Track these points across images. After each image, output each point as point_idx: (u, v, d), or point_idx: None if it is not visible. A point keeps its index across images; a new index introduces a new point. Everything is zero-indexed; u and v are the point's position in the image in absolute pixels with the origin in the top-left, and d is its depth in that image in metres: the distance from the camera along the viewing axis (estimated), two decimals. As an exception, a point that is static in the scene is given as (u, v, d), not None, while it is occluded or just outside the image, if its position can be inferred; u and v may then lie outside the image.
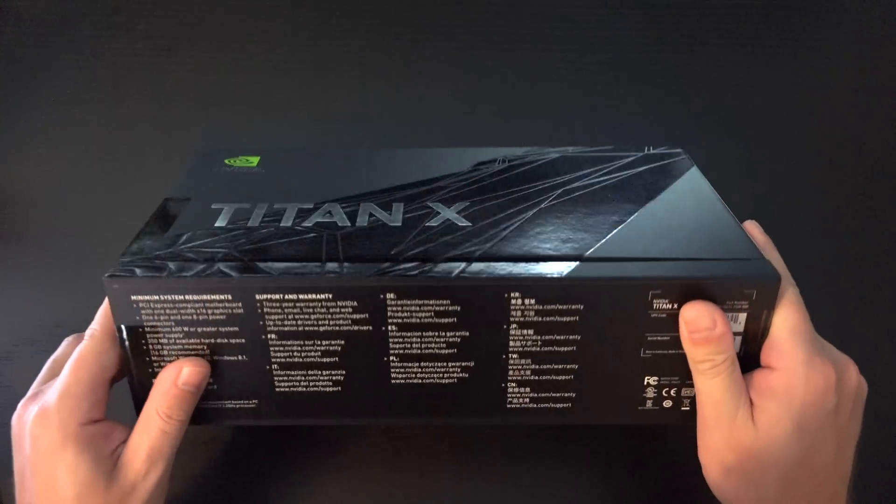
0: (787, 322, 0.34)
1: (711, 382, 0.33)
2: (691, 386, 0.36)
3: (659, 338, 0.35)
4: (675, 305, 0.34)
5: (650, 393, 0.36)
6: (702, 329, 0.33)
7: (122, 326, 0.34)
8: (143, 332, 0.34)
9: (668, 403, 0.36)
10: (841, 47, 0.53)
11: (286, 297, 0.33)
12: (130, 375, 0.35)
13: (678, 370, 0.35)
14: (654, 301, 0.34)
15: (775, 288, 0.33)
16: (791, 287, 0.35)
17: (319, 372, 0.35)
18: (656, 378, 0.36)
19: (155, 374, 0.35)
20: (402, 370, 0.35)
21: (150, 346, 0.34)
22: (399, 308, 0.34)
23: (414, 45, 0.49)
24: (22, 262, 0.46)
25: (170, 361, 0.35)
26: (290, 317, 0.34)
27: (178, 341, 0.34)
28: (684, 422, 0.37)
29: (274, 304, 0.33)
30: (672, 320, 0.34)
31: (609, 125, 0.51)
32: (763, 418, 0.33)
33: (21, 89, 0.46)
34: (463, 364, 0.35)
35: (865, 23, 0.52)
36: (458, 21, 0.49)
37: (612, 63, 0.51)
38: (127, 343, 0.34)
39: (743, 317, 0.34)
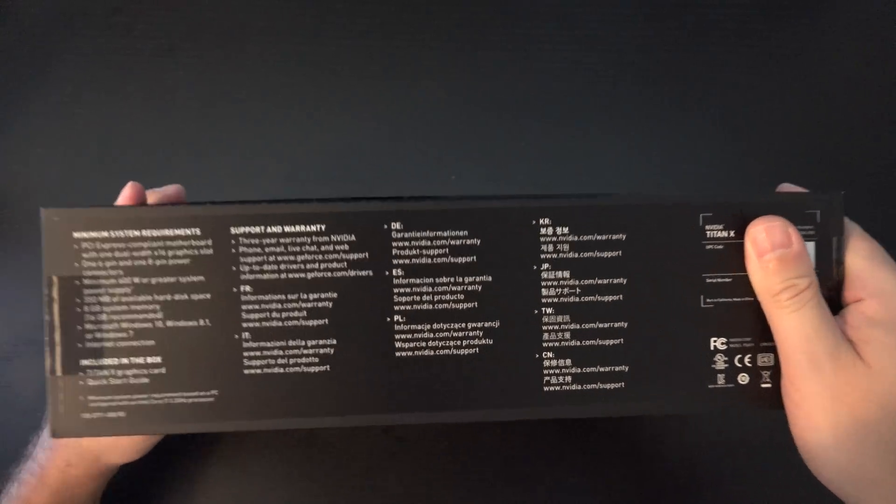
0: (862, 250, 0.29)
1: (797, 316, 0.27)
2: (768, 351, 0.29)
3: (720, 280, 0.29)
4: (732, 233, 0.29)
5: (720, 363, 0.29)
6: (776, 246, 0.27)
7: (54, 278, 0.27)
8: (81, 286, 0.27)
9: (743, 378, 0.29)
10: (842, 47, 0.54)
11: (268, 229, 0.27)
12: (51, 349, 0.27)
13: (750, 327, 0.29)
14: (707, 228, 0.29)
15: (840, 206, 0.29)
16: (852, 223, 0.30)
17: (303, 343, 0.27)
18: (724, 340, 0.29)
19: (85, 350, 0.27)
20: (410, 336, 0.28)
21: (85, 308, 0.27)
22: (407, 243, 0.28)
23: (413, 44, 0.49)
24: (22, 262, 0.45)
25: (109, 330, 0.27)
26: (271, 259, 0.27)
27: (122, 300, 0.27)
28: (767, 405, 0.29)
29: (252, 242, 0.27)
30: (731, 255, 0.29)
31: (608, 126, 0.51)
32: (872, 351, 0.26)
33: (21, 89, 0.46)
34: (486, 325, 0.28)
35: (866, 23, 0.54)
36: (458, 20, 0.51)
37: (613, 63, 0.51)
38: (55, 303, 0.27)
39: (812, 247, 0.29)
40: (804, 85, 0.54)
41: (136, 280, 0.27)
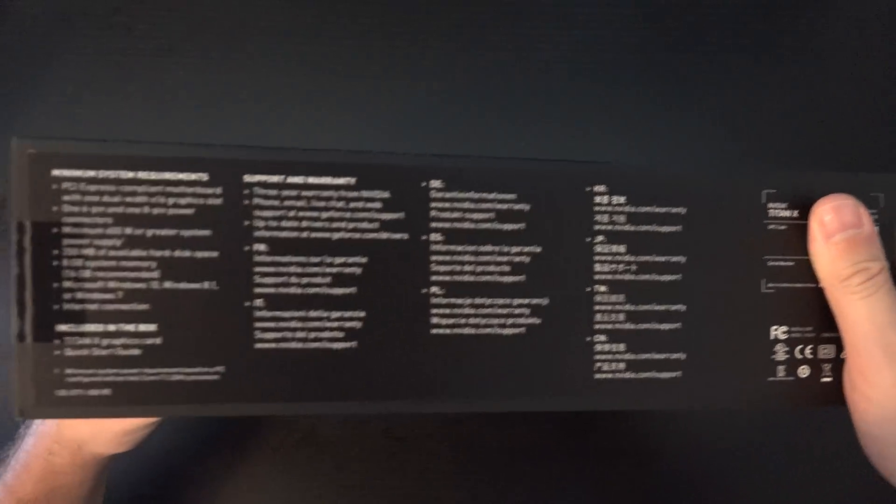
0: None
1: (869, 302, 0.25)
2: (829, 342, 0.27)
3: (781, 263, 0.26)
4: (796, 213, 0.26)
5: (780, 353, 0.26)
6: (845, 227, 0.25)
7: (27, 224, 0.22)
8: (60, 234, 0.22)
9: (804, 371, 0.26)
10: (842, 47, 0.55)
11: (289, 179, 0.23)
12: (20, 310, 0.22)
13: (811, 316, 0.26)
14: (770, 206, 0.26)
15: None
16: None
17: (327, 314, 0.23)
18: (786, 329, 0.26)
19: (62, 313, 0.22)
20: (448, 311, 0.24)
21: (66, 263, 0.22)
22: (447, 205, 0.24)
23: (413, 44, 0.49)
24: None
25: (93, 290, 0.22)
26: (291, 214, 0.23)
27: (111, 254, 0.22)
28: (827, 402, 0.27)
29: (270, 193, 0.23)
30: (795, 236, 0.26)
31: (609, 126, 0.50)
32: None
33: (21, 89, 0.46)
34: (533, 302, 0.25)
35: (866, 22, 0.55)
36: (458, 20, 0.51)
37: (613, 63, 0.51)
38: (27, 254, 0.22)
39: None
40: (804, 85, 0.54)
41: (129, 231, 0.22)
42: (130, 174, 0.22)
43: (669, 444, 0.44)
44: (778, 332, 0.26)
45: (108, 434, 0.30)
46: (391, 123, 0.48)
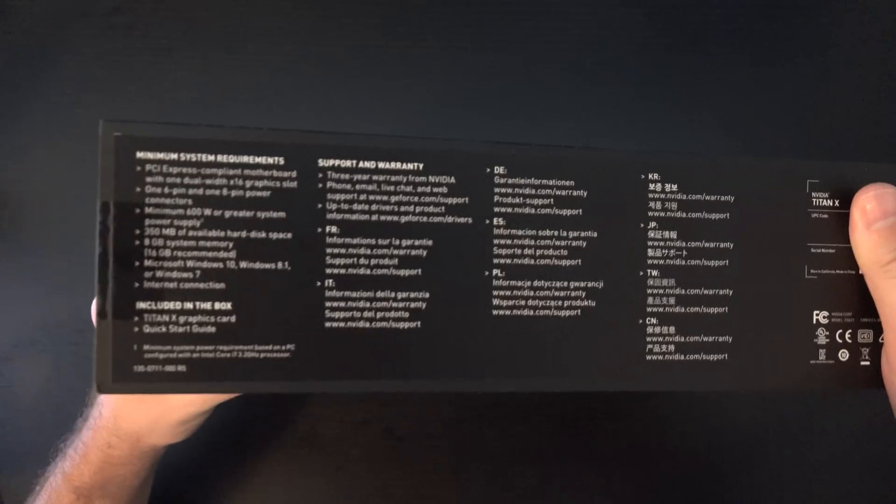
0: None
1: (910, 287, 0.26)
2: (868, 327, 0.28)
3: (824, 250, 0.27)
4: (837, 202, 0.27)
5: (822, 337, 0.27)
6: (887, 214, 0.26)
7: (111, 204, 0.23)
8: (142, 214, 0.23)
9: (844, 355, 0.28)
10: (842, 47, 0.55)
11: (361, 164, 0.24)
12: (102, 288, 0.23)
13: (851, 302, 0.28)
14: (814, 195, 0.27)
15: None
16: None
17: (393, 294, 0.24)
18: (827, 313, 0.27)
19: (143, 291, 0.23)
20: (509, 293, 0.25)
21: (148, 242, 0.23)
22: (510, 190, 0.25)
23: (413, 44, 0.49)
24: (22, 262, 0.45)
25: (172, 269, 0.23)
26: (362, 198, 0.24)
27: (190, 234, 0.23)
28: (866, 384, 0.28)
29: (343, 177, 0.24)
30: (836, 225, 0.27)
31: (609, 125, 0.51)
32: None
33: (21, 89, 0.46)
34: (589, 285, 0.26)
35: (866, 23, 0.55)
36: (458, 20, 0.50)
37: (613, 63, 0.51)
38: (110, 234, 0.23)
39: (912, 221, 0.28)
40: (804, 85, 0.55)
41: (208, 212, 0.23)
42: (210, 157, 0.23)
43: (669, 444, 0.44)
44: (819, 316, 0.27)
45: (165, 425, 0.31)
46: (391, 123, 0.48)
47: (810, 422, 0.46)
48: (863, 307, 0.28)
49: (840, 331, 0.28)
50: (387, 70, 0.49)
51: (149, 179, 0.23)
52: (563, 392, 0.26)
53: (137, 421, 0.31)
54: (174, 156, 0.23)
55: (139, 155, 0.23)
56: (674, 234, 0.26)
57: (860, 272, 0.27)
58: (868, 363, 0.28)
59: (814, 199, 0.27)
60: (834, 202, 0.27)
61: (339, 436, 0.43)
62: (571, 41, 0.51)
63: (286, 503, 0.42)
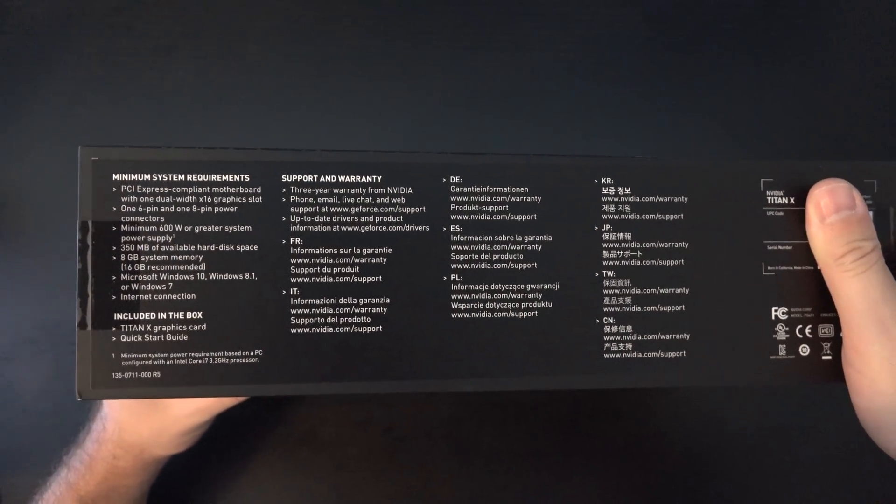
0: None
1: (862, 279, 0.26)
2: (828, 322, 0.28)
3: (780, 247, 0.28)
4: (792, 200, 0.28)
5: (781, 333, 0.28)
6: (840, 208, 0.27)
7: (90, 223, 0.25)
8: (118, 232, 0.25)
9: (804, 349, 0.28)
10: (842, 47, 0.55)
11: (321, 178, 0.26)
12: (82, 301, 0.24)
13: (810, 297, 0.28)
14: (768, 194, 0.28)
15: None
16: None
17: (355, 301, 0.26)
18: (785, 309, 0.28)
19: (120, 303, 0.24)
20: (467, 297, 0.26)
21: (124, 258, 0.25)
22: (465, 198, 0.26)
23: (413, 44, 0.49)
24: (22, 262, 0.45)
25: (146, 282, 0.25)
26: (323, 210, 0.26)
27: (163, 248, 0.25)
28: (827, 378, 0.28)
29: (305, 191, 0.25)
30: (792, 221, 0.28)
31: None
32: None
33: (21, 89, 0.46)
34: (545, 287, 0.27)
35: (866, 23, 0.55)
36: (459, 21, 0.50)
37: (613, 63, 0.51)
38: (89, 251, 0.24)
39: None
40: (804, 85, 0.55)
41: (179, 228, 0.25)
42: (181, 176, 0.25)
43: (668, 444, 0.44)
44: (778, 312, 0.28)
45: (168, 436, 0.33)
46: (391, 123, 0.48)
47: (808, 422, 0.45)
48: (822, 302, 0.28)
49: (800, 326, 0.28)
50: (387, 70, 0.49)
51: (124, 199, 0.25)
52: (526, 391, 0.27)
53: (141, 433, 0.33)
54: (147, 176, 0.25)
55: (115, 177, 0.25)
56: (628, 236, 0.27)
57: (818, 267, 0.28)
58: (830, 357, 0.28)
59: (768, 198, 0.28)
60: (789, 199, 0.28)
61: (339, 436, 0.44)
62: (571, 41, 0.51)
63: (286, 503, 0.43)
